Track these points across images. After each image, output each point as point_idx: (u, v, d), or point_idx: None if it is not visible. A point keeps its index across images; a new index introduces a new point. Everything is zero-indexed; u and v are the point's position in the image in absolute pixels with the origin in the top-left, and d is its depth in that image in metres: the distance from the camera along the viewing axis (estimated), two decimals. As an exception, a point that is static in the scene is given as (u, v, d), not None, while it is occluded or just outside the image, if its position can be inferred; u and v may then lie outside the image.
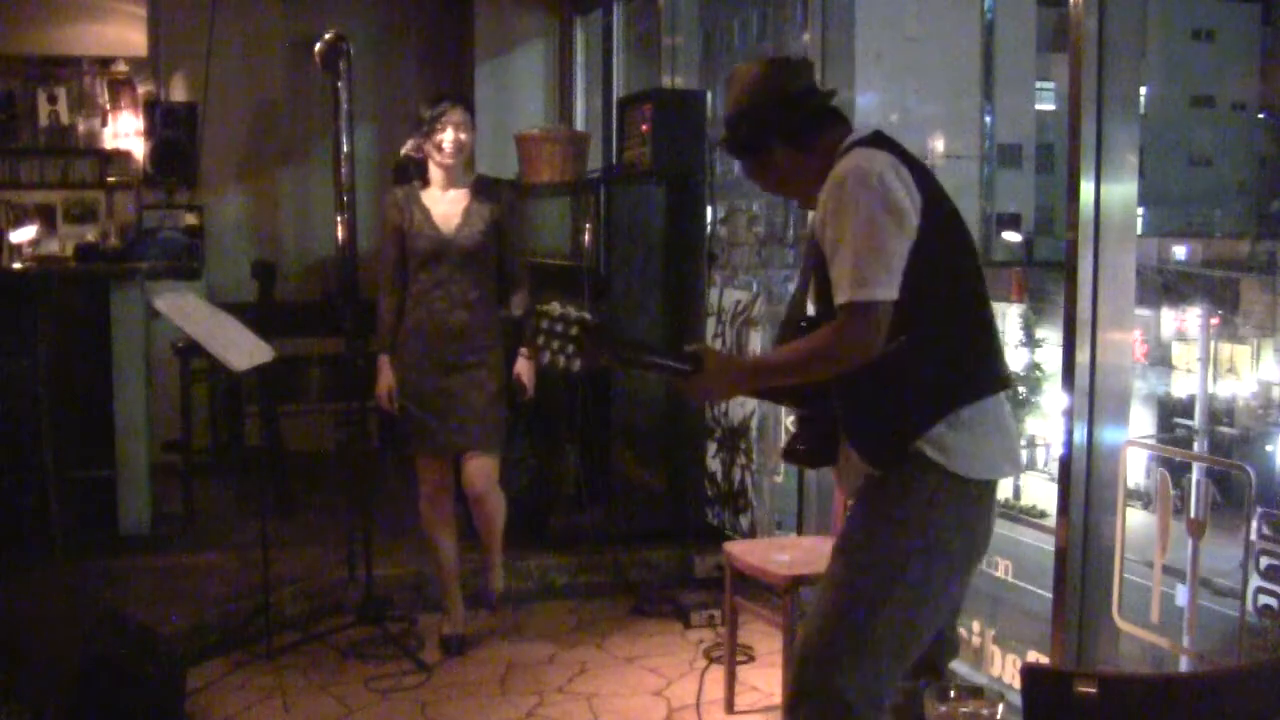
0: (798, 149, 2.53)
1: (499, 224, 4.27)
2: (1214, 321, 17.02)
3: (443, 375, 4.24)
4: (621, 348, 2.51)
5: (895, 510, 2.43)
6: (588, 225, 5.30)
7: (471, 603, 4.54)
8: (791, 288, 5.11)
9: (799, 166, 2.54)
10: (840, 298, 2.31)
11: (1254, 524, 3.04)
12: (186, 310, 4.48)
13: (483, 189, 4.30)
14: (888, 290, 2.29)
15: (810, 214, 2.62)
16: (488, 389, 4.28)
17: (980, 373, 2.46)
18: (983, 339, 2.49)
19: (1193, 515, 3.26)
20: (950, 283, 2.42)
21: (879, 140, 2.45)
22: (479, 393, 4.26)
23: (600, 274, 5.21)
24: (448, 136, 4.18)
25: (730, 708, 3.95)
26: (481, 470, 4.31)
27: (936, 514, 2.41)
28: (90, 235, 6.95)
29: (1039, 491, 17.35)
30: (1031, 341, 19.29)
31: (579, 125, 6.86)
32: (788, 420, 4.45)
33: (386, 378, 4.30)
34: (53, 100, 7.00)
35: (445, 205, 4.25)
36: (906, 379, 2.39)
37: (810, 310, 2.59)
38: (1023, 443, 19.39)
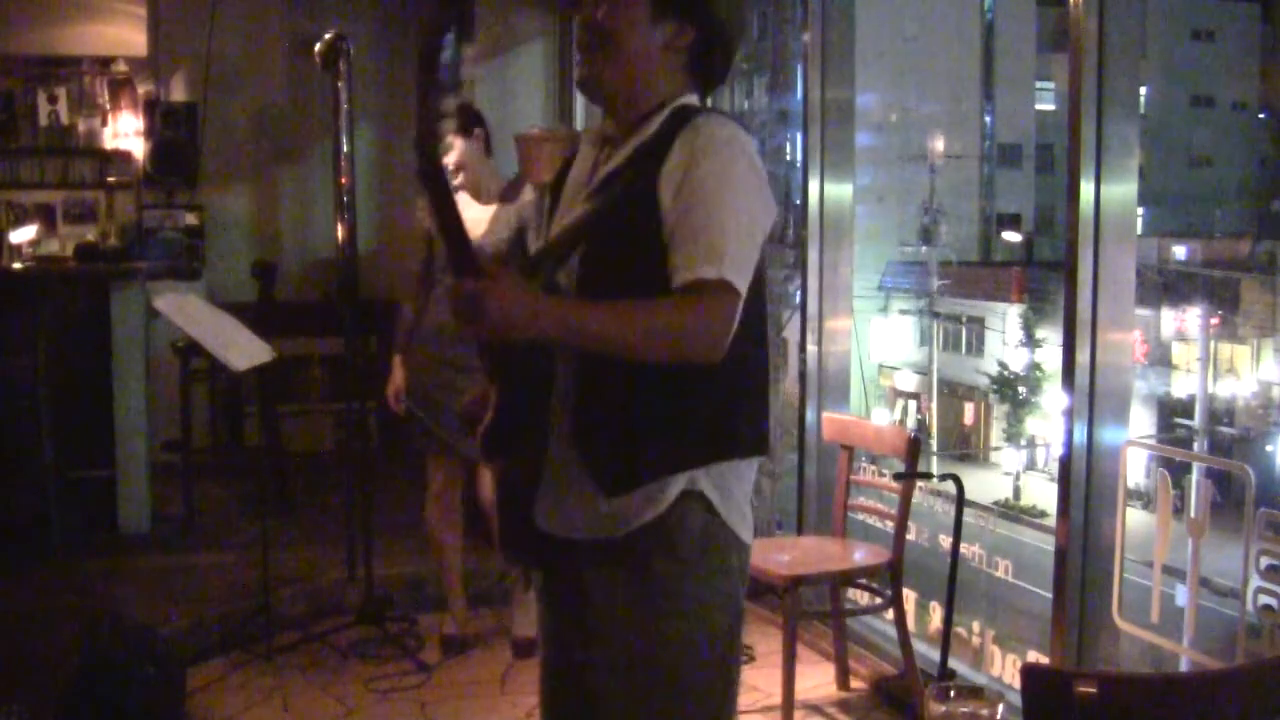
0: (692, 62, 2.06)
1: (524, 223, 4.15)
2: (1214, 321, 17.02)
3: (454, 376, 4.14)
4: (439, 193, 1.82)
5: (700, 606, 1.96)
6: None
7: (473, 602, 4.54)
8: (792, 288, 5.12)
9: (653, 61, 2.03)
10: (709, 272, 1.84)
11: (1254, 524, 3.04)
12: (186, 310, 4.48)
13: (511, 192, 4.24)
14: (744, 282, 1.88)
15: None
16: None
17: (761, 425, 2.04)
18: (765, 388, 2.07)
19: (1193, 515, 3.26)
20: (759, 309, 2.00)
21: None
22: None
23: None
24: None
25: None
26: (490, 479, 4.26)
27: (735, 594, 2.02)
28: (90, 235, 6.95)
29: (1039, 491, 17.37)
30: (1031, 341, 19.29)
31: (579, 125, 6.85)
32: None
33: (396, 378, 4.26)
34: (53, 100, 7.00)
35: (475, 211, 4.17)
36: (707, 393, 1.93)
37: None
38: (1023, 443, 19.43)
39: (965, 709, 1.65)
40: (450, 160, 4.10)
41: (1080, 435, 3.27)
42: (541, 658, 2.18)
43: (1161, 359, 17.86)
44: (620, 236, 1.95)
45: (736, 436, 1.99)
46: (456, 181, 4.15)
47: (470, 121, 4.14)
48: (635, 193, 1.94)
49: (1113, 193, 3.24)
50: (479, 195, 4.19)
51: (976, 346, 20.65)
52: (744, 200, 1.92)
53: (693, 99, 2.06)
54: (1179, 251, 19.40)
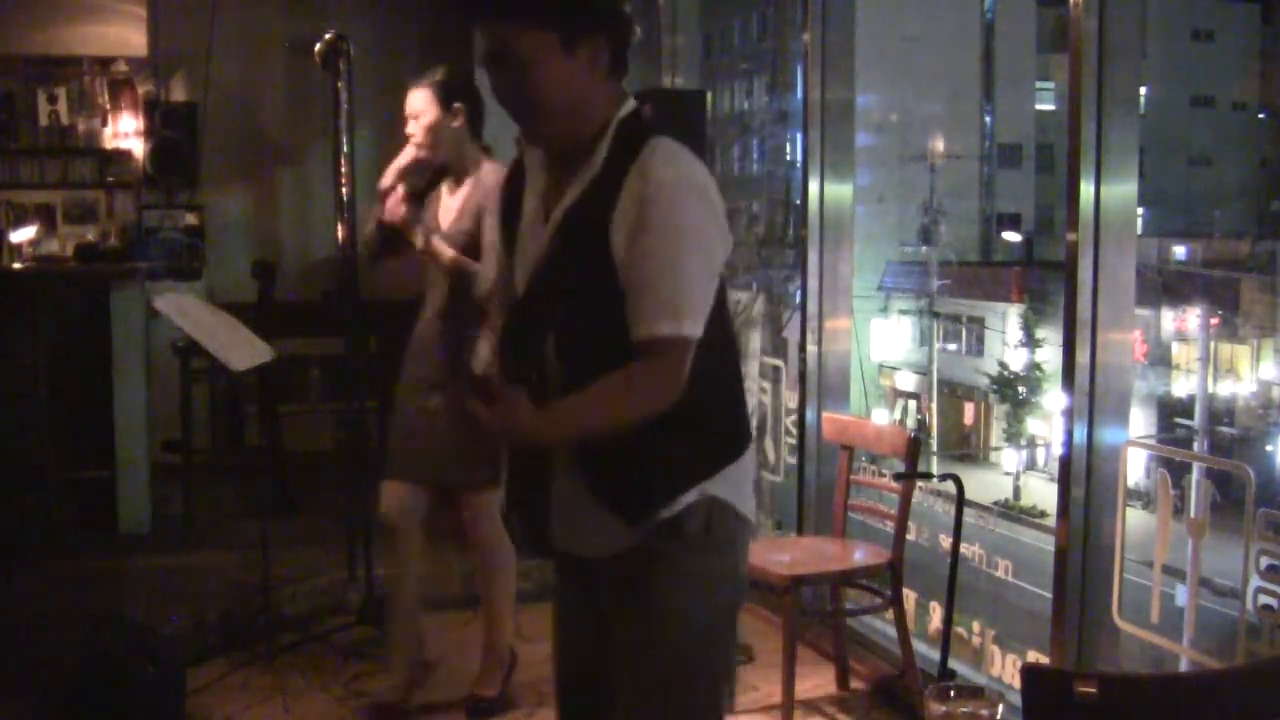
0: (612, 66, 2.05)
1: (482, 209, 3.55)
2: (1214, 321, 17.03)
3: (430, 393, 3.69)
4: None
5: (701, 579, 2.09)
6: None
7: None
8: (792, 288, 5.13)
9: (581, 90, 2.02)
10: (665, 328, 1.95)
11: (1254, 524, 3.04)
12: (186, 310, 4.48)
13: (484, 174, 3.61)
14: (700, 327, 1.98)
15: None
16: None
17: (743, 419, 2.19)
18: (740, 386, 2.22)
19: (1193, 515, 3.26)
20: (720, 318, 2.08)
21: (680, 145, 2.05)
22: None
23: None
24: (410, 127, 3.58)
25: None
26: (469, 504, 3.72)
27: (737, 568, 2.15)
28: (90, 235, 6.96)
29: (1039, 491, 17.38)
30: (1031, 341, 19.30)
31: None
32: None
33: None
34: (53, 100, 7.00)
35: (450, 200, 3.68)
36: (694, 413, 2.00)
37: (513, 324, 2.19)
38: (1023, 443, 19.44)
39: (965, 709, 1.65)
40: (430, 118, 3.55)
41: (1080, 435, 3.27)
42: (555, 645, 2.37)
43: (1161, 359, 17.87)
44: (583, 289, 2.02)
45: (727, 440, 2.12)
46: (425, 153, 3.59)
47: (450, 94, 3.57)
48: (589, 242, 1.99)
49: (1113, 193, 3.24)
50: (455, 175, 3.66)
51: (976, 346, 20.66)
52: (695, 243, 1.98)
53: (629, 104, 2.07)
54: (1179, 251, 19.42)
